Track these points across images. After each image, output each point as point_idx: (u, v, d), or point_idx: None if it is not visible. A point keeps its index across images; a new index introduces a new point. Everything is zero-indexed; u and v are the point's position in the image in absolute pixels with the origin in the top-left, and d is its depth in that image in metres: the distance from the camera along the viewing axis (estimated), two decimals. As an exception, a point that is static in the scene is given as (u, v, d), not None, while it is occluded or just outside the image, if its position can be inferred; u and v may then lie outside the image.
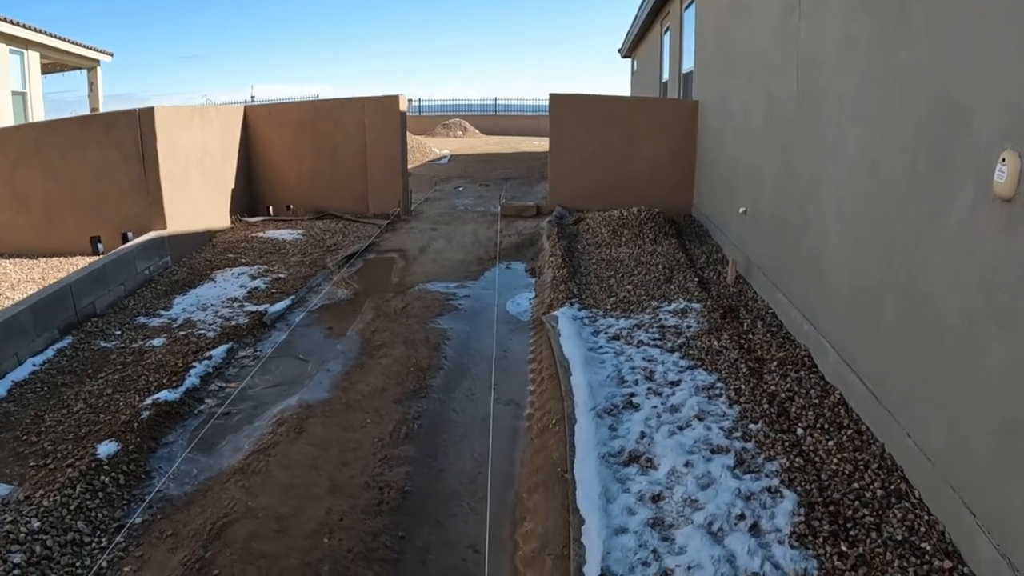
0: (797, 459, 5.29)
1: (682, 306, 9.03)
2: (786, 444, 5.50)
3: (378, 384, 7.55)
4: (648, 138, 14.69)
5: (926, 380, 4.94)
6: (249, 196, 15.77)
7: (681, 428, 5.82)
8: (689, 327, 8.32)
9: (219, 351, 8.47)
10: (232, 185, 14.86)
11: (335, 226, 14.54)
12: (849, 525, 4.58)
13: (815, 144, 7.47)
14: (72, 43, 21.73)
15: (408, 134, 28.99)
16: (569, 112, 15.04)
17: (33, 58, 20.03)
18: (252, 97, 27.42)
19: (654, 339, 7.97)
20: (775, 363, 7.15)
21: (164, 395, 7.28)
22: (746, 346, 7.74)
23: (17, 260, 12.05)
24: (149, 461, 6.40)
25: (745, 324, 8.41)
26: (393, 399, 7.21)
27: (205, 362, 8.20)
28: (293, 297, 10.26)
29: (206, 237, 13.33)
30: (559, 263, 10.99)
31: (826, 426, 5.83)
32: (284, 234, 13.71)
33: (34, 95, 19.98)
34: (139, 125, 11.97)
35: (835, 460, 5.33)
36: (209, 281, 11.11)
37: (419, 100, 43.24)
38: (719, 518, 4.59)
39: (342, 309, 9.99)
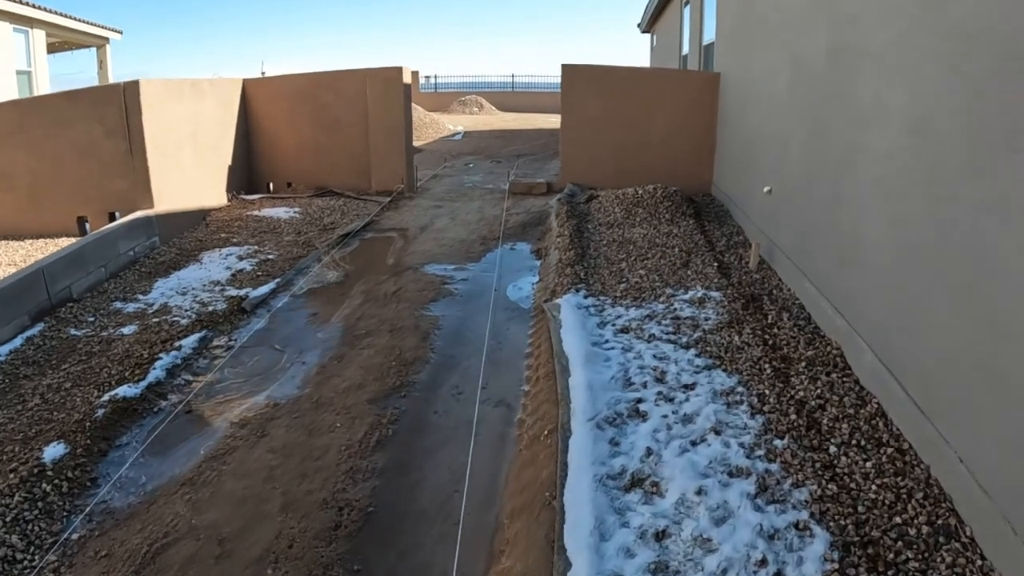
0: (830, 485, 4.36)
1: (700, 294, 8.08)
2: (817, 466, 4.58)
3: (355, 379, 6.74)
4: (666, 112, 13.61)
5: (985, 390, 3.98)
6: (248, 173, 14.99)
7: (695, 443, 4.91)
8: (707, 319, 7.37)
9: (190, 340, 7.71)
10: (229, 161, 14.07)
11: (335, 203, 13.71)
12: (891, 574, 3.68)
13: (851, 110, 6.42)
14: (79, 20, 20.97)
15: (421, 110, 27.95)
16: (582, 84, 13.97)
17: (38, 36, 19.29)
18: (263, 72, 26.52)
19: (668, 333, 7.05)
20: (803, 363, 6.20)
21: (124, 391, 6.54)
22: (771, 342, 6.78)
23: (2, 243, 11.41)
24: (98, 466, 5.67)
25: (770, 316, 7.44)
26: (369, 397, 6.39)
27: (174, 353, 7.45)
28: (279, 280, 9.47)
29: (199, 216, 12.58)
30: (566, 244, 10.06)
31: (863, 443, 4.88)
32: (280, 212, 12.92)
33: (39, 74, 19.27)
34: (124, 99, 11.19)
35: (873, 487, 4.39)
36: (195, 263, 10.36)
37: (435, 76, 42.08)
38: (736, 564, 3.70)
39: (330, 293, 9.18)
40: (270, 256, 10.51)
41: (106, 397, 6.42)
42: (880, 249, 5.68)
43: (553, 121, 31.49)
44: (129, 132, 11.23)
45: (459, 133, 25.82)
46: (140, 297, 9.04)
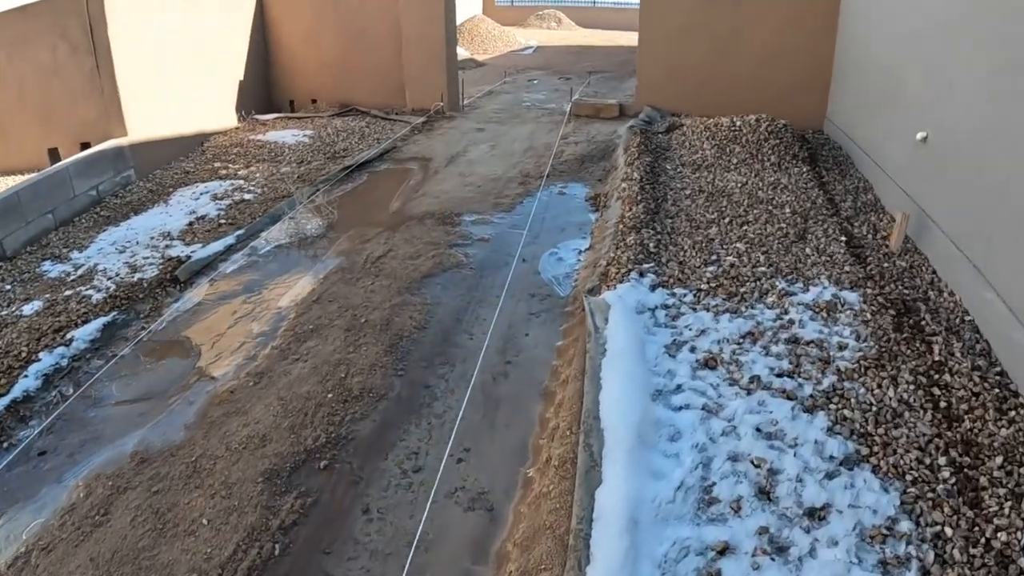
0: None
1: (828, 295, 4.82)
2: None
3: (263, 424, 4.03)
4: (768, 23, 9.66)
5: None
6: (266, 90, 12.21)
7: None
8: (843, 346, 4.21)
9: (88, 330, 5.32)
10: (240, 77, 11.30)
11: (355, 125, 10.79)
12: None
13: None
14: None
15: (491, 22, 24.07)
16: (669, -23, 10.16)
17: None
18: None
19: (781, 373, 3.95)
20: (999, 457, 3.09)
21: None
22: (942, 402, 3.67)
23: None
24: None
25: (935, 346, 4.21)
26: (268, 468, 3.69)
27: (60, 350, 5.09)
28: (241, 233, 6.79)
29: (196, 141, 9.99)
30: (634, 193, 6.83)
31: None
32: (287, 136, 10.15)
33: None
34: (87, 9, 8.50)
35: None
36: (161, 204, 7.81)
37: (514, -13, 37.36)
38: None
39: (295, 255, 6.41)
40: (248, 196, 7.81)
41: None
42: None
43: (635, 39, 26.61)
44: (95, 48, 8.59)
45: (530, 47, 22.01)
46: (74, 255, 6.61)
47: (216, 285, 5.91)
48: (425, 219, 7.08)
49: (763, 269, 5.27)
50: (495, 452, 3.75)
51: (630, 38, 26.08)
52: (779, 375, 3.97)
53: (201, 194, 8.02)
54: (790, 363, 4.09)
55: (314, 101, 12.22)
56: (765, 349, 4.20)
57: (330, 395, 4.24)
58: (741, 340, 4.28)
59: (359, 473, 3.67)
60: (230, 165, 9.15)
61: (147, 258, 6.42)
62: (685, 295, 4.88)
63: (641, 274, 5.16)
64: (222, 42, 10.93)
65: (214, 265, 6.27)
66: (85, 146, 8.74)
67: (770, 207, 6.56)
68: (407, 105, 11.82)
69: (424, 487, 3.54)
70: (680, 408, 3.59)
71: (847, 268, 5.29)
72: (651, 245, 5.70)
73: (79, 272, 6.32)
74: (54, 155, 8.80)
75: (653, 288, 4.97)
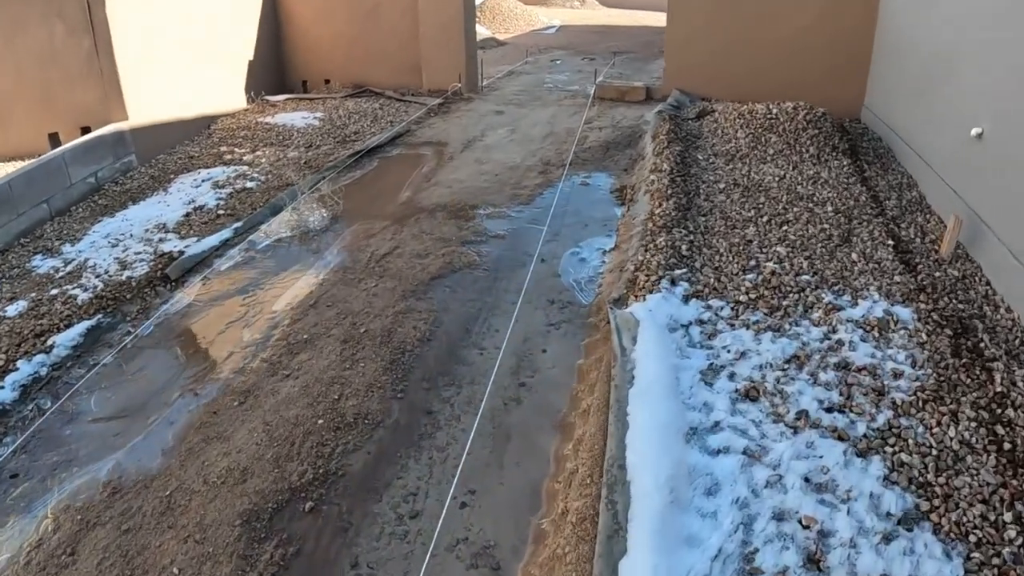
0: None
1: (878, 310, 4.25)
2: None
3: (245, 453, 3.61)
4: (804, 3, 8.90)
5: None
6: (277, 69, 11.69)
7: None
8: (898, 372, 3.68)
9: (70, 335, 4.98)
10: (250, 56, 10.79)
11: (369, 106, 10.26)
12: None
13: None
14: None
15: (513, 0, 23.34)
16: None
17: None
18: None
19: (831, 407, 3.42)
20: None
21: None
22: (1007, 444, 3.20)
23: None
24: None
25: (996, 374, 3.66)
26: (247, 510, 3.27)
27: (40, 358, 4.75)
28: (239, 226, 6.34)
29: (202, 124, 9.54)
30: (664, 186, 6.25)
31: None
32: (297, 119, 9.66)
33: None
34: None
35: None
36: (160, 192, 7.38)
37: (539, -37, 36.18)
38: None
39: (295, 252, 5.94)
40: (250, 184, 7.35)
41: None
42: None
43: (661, 19, 25.48)
44: (93, 28, 8.13)
45: (553, 26, 21.18)
46: (66, 249, 6.22)
47: (209, 285, 5.48)
48: (436, 212, 6.58)
49: (807, 278, 4.70)
50: (504, 496, 3.27)
51: (656, 18, 25.11)
52: (828, 409, 3.44)
53: (203, 181, 7.58)
54: (840, 394, 3.55)
55: (327, 81, 11.70)
56: (812, 377, 3.66)
57: (320, 421, 3.79)
58: (786, 365, 3.75)
59: (348, 518, 3.23)
60: (236, 149, 8.70)
61: (139, 253, 6.00)
62: (722, 308, 4.34)
63: (673, 282, 4.62)
64: (230, 20, 10.41)
65: (209, 261, 5.83)
66: (86, 131, 8.33)
67: (811, 204, 5.95)
68: (423, 86, 11.25)
69: (422, 537, 3.08)
70: (718, 452, 3.08)
71: (897, 278, 4.70)
72: (683, 247, 5.14)
73: (68, 268, 5.93)
74: (55, 140, 8.41)
75: (686, 299, 4.43)
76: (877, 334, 4.08)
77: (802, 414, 3.38)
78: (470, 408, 3.83)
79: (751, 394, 3.52)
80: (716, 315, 4.27)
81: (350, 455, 3.59)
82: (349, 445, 3.65)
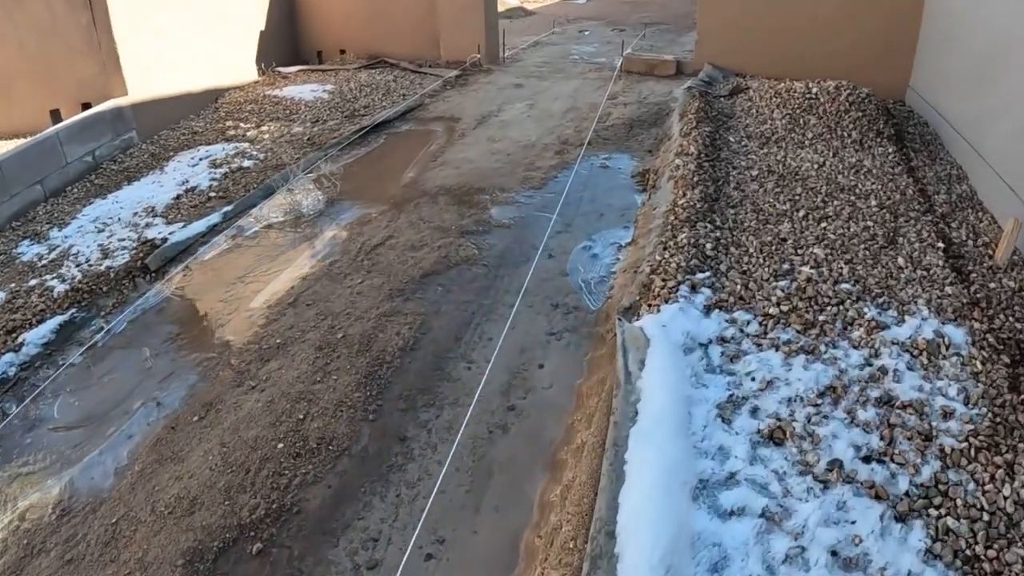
0: None
1: (928, 330, 3.62)
2: None
3: (197, 480, 3.20)
4: None
5: None
6: (291, 39, 11.13)
7: None
8: (948, 411, 3.10)
9: (41, 332, 4.67)
10: (261, 27, 10.25)
11: (382, 78, 9.69)
12: None
13: None
14: None
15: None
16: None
17: None
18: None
19: (869, 455, 2.85)
20: None
21: None
22: None
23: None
24: None
25: None
26: (190, 548, 2.88)
27: (8, 357, 4.47)
28: (228, 210, 5.90)
29: (210, 98, 9.09)
30: (690, 173, 5.60)
31: None
32: (306, 91, 9.14)
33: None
34: None
35: None
36: (156, 171, 6.98)
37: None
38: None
39: (283, 240, 5.46)
40: (248, 163, 6.89)
41: None
42: None
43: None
44: (91, 1, 7.69)
45: (586, -9, 20.20)
46: (53, 234, 5.89)
47: (188, 277, 5.06)
48: (439, 196, 6.04)
49: (847, 286, 4.07)
50: (476, 549, 2.80)
51: (695, -18, 23.67)
52: (867, 458, 2.86)
53: (200, 159, 7.16)
54: (882, 438, 2.97)
55: (342, 52, 11.13)
56: (850, 415, 3.08)
57: (281, 445, 3.35)
58: (819, 399, 3.16)
59: (299, 564, 2.79)
60: (241, 124, 8.25)
61: (122, 240, 5.61)
62: (749, 323, 3.74)
63: (694, 288, 4.03)
64: (239, -12, 9.90)
65: (193, 249, 5.42)
66: (86, 107, 7.97)
67: (853, 197, 5.25)
68: (441, 57, 10.61)
69: (382, 593, 2.64)
70: (731, 514, 2.54)
71: (948, 289, 4.04)
72: (708, 246, 4.52)
73: (52, 256, 5.57)
74: (56, 117, 8.08)
75: (708, 310, 3.84)
76: (926, 360, 3.46)
77: (835, 465, 2.81)
78: (450, 435, 3.34)
79: (776, 436, 2.95)
80: (741, 331, 3.69)
81: (308, 488, 3.15)
82: (308, 476, 3.20)
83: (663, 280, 4.16)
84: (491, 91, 9.33)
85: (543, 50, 12.09)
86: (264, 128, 8.05)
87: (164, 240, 5.46)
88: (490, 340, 4.00)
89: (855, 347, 3.59)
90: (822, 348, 3.56)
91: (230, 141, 7.67)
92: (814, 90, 6.97)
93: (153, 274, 5.18)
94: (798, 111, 6.76)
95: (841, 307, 3.91)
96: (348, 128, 7.81)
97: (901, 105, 7.90)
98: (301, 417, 3.54)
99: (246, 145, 7.47)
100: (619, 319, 3.84)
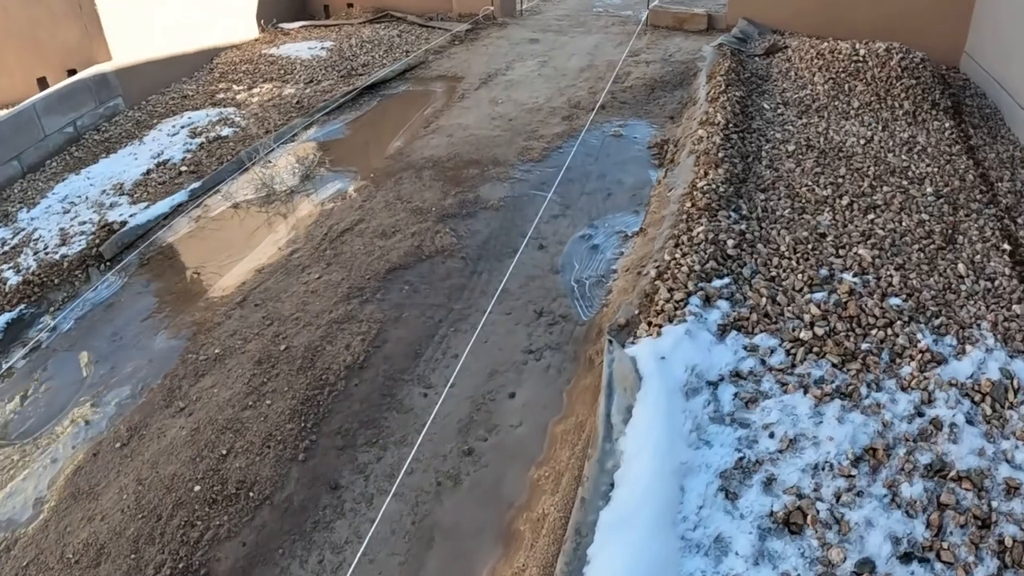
0: None
1: (993, 367, 2.84)
2: None
3: (103, 530, 2.71)
4: None
5: None
6: (299, -10, 10.34)
7: None
8: (1013, 485, 2.37)
9: None
10: (265, -20, 9.48)
11: (386, 34, 8.84)
12: None
13: None
14: None
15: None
16: None
17: None
18: None
19: (910, 552, 2.15)
20: None
21: None
22: None
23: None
24: None
25: None
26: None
27: None
28: (196, 187, 5.28)
29: (204, 58, 8.40)
30: (714, 146, 4.73)
31: None
32: (304, 49, 8.37)
33: None
34: None
35: None
36: (135, 142, 6.39)
37: None
38: None
39: (247, 223, 4.81)
40: (227, 131, 6.24)
41: None
42: None
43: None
44: (70, -41, 7.03)
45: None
46: (22, 215, 5.40)
47: (142, 269, 4.49)
48: (424, 169, 5.29)
49: (897, 301, 3.26)
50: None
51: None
52: (906, 555, 2.15)
53: (182, 128, 6.52)
54: (928, 526, 2.24)
55: (350, 5, 10.26)
56: (891, 490, 2.35)
57: (198, 487, 2.78)
58: (854, 467, 2.43)
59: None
60: (234, 86, 7.57)
61: (84, 224, 5.06)
62: (773, 351, 2.98)
63: (708, 300, 3.27)
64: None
65: (153, 233, 4.84)
66: (72, 74, 7.39)
67: (905, 182, 4.35)
68: (453, 9, 9.67)
69: None
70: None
71: (1016, 308, 3.22)
72: (730, 243, 3.72)
73: (15, 241, 5.11)
74: (43, 85, 7.54)
75: (723, 331, 3.09)
76: (989, 409, 2.69)
77: (865, 568, 2.11)
78: (390, 484, 2.73)
79: (793, 522, 2.25)
80: (763, 363, 2.93)
81: (221, 545, 2.59)
82: (222, 529, 2.64)
83: (670, 289, 3.40)
84: (503, 47, 8.42)
85: (566, 2, 10.98)
86: (256, 90, 7.36)
87: (123, 224, 4.89)
88: (455, 357, 3.33)
89: (904, 388, 2.82)
90: (863, 391, 2.80)
91: (217, 106, 7.01)
92: (861, 52, 5.92)
93: (108, 263, 4.64)
94: (843, 75, 5.74)
95: (889, 331, 3.12)
96: (341, 90, 7.07)
97: (955, 71, 6.75)
98: (224, 452, 2.96)
99: (232, 110, 6.81)
100: (610, 341, 3.11)
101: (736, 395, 2.76)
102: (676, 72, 7.20)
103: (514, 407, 3.08)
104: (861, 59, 5.86)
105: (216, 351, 3.54)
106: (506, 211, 4.72)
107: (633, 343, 3.04)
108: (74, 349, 3.92)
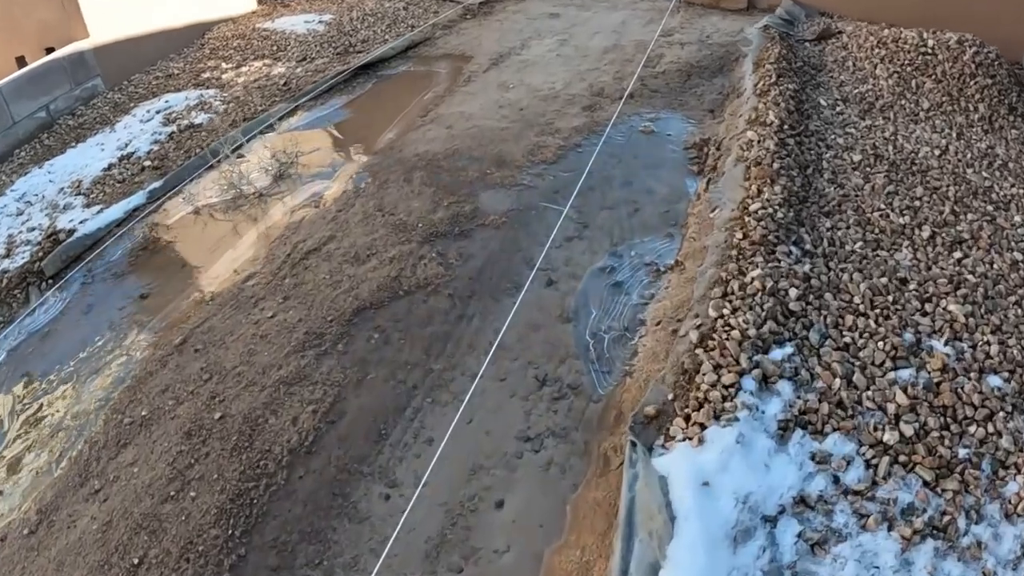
0: None
1: None
2: None
3: None
4: None
5: None
6: (303, -47, 9.43)
7: None
8: None
9: None
10: (265, -56, 8.59)
11: (392, 6, 7.95)
12: None
13: None
14: None
15: None
16: None
17: None
18: None
19: None
20: None
21: None
22: None
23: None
24: None
25: None
26: None
27: None
28: (157, 187, 4.59)
29: (195, 33, 7.61)
30: (769, 155, 3.86)
31: None
32: (300, 23, 7.54)
33: None
34: None
35: None
36: (105, 130, 5.71)
37: None
38: None
39: (206, 236, 4.08)
40: (202, 118, 5.49)
41: None
42: None
43: None
44: (44, -70, 6.26)
45: None
46: None
47: (85, 290, 3.81)
48: (415, 170, 4.47)
49: (997, 383, 2.46)
50: None
51: None
52: None
53: (156, 113, 5.80)
54: None
55: (357, -30, 9.36)
56: None
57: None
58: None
59: None
60: (222, 64, 6.81)
61: (32, 230, 4.42)
62: (849, 463, 2.20)
63: (765, 380, 2.47)
64: None
65: (104, 241, 4.15)
66: (50, 52, 6.67)
67: (990, 207, 3.49)
68: (469, -23, 8.74)
69: None
70: None
71: None
72: (793, 293, 2.88)
73: (-36, 250, 4.46)
74: (22, 64, 6.83)
75: (784, 430, 2.31)
76: None
77: None
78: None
79: None
80: (835, 483, 2.15)
81: None
82: None
83: (716, 367, 2.56)
84: (519, 22, 7.49)
85: (592, -31, 9.95)
86: (243, 69, 6.59)
87: (70, 233, 4.21)
88: (429, 443, 2.60)
89: (1008, 518, 2.05)
90: (960, 524, 2.04)
91: (199, 87, 6.27)
92: (930, 43, 4.95)
93: (49, 280, 3.98)
94: (908, 69, 4.80)
95: (989, 426, 2.33)
96: (333, 70, 6.27)
97: (1020, 68, 5.71)
98: (136, 562, 2.31)
99: (213, 92, 6.06)
100: (633, 443, 2.33)
101: (800, 537, 2.01)
102: (715, 56, 6.23)
103: (501, 522, 2.34)
104: (930, 51, 4.89)
105: (143, 412, 2.86)
106: (509, 229, 3.91)
107: (664, 449, 2.28)
108: (1, 391, 3.30)
